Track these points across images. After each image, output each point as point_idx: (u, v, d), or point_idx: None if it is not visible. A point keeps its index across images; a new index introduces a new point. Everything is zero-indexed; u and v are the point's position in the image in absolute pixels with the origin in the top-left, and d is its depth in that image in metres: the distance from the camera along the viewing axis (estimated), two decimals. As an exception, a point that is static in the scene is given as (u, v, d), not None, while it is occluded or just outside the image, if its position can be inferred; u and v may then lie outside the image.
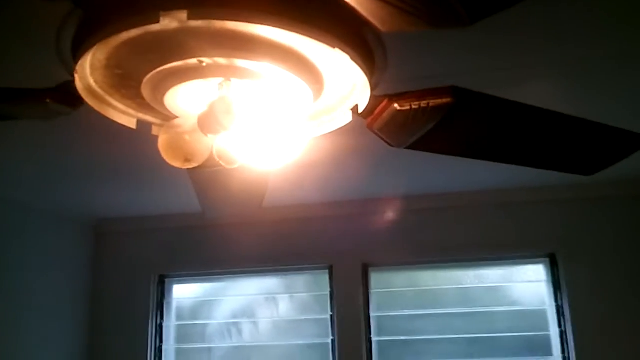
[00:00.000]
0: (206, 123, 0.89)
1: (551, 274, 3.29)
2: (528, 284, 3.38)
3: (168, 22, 0.78)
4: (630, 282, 3.11)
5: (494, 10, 0.76)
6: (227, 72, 0.89)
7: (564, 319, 3.17)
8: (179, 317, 3.65)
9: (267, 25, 0.79)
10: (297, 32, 0.81)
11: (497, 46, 1.61)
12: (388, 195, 3.35)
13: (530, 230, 3.30)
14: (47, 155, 2.48)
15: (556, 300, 3.22)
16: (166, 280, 3.66)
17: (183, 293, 3.73)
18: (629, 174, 3.05)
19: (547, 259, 3.31)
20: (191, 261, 3.60)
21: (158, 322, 3.56)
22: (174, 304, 3.66)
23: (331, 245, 3.45)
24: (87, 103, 1.00)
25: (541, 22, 1.48)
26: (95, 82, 0.97)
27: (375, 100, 1.09)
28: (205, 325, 3.58)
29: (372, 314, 3.36)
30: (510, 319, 3.27)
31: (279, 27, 0.80)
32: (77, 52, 0.86)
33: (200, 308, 3.65)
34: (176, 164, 0.96)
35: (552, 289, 3.26)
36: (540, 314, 3.27)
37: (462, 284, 3.41)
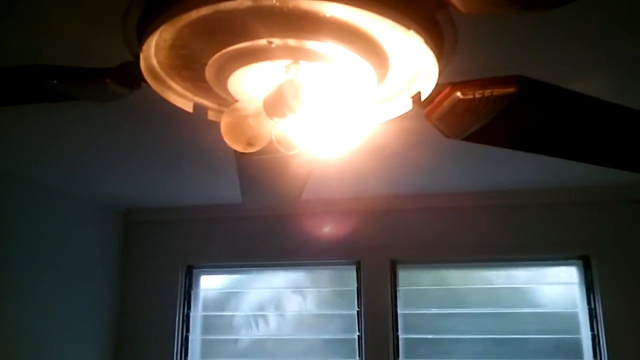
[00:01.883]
0: (274, 106, 0.87)
1: (584, 276, 3.22)
2: (559, 286, 3.32)
3: (241, 0, 0.76)
4: (667, 286, 3.04)
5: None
6: (296, 54, 0.87)
7: (596, 322, 3.10)
8: (205, 307, 3.65)
9: (343, 3, 0.76)
10: (373, 12, 0.78)
11: (562, 39, 1.56)
12: (419, 192, 3.31)
13: (563, 232, 3.24)
14: (80, 140, 2.48)
15: (589, 303, 3.16)
16: (194, 270, 3.67)
17: (210, 284, 3.73)
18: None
19: (580, 261, 3.25)
20: (219, 252, 3.60)
21: (185, 312, 3.57)
22: (201, 295, 3.67)
23: (359, 241, 3.42)
24: (147, 84, 0.98)
25: (607, 14, 1.43)
26: (158, 62, 0.95)
27: (437, 88, 1.06)
28: (231, 316, 3.58)
29: (399, 311, 3.33)
30: (541, 320, 3.21)
31: (354, 6, 0.77)
32: (145, 31, 0.84)
33: (226, 299, 3.65)
34: (238, 147, 0.94)
35: (584, 292, 3.20)
36: (572, 317, 3.21)
37: (492, 284, 3.36)
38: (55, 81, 0.97)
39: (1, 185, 2.81)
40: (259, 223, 3.46)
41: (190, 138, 2.22)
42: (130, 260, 3.68)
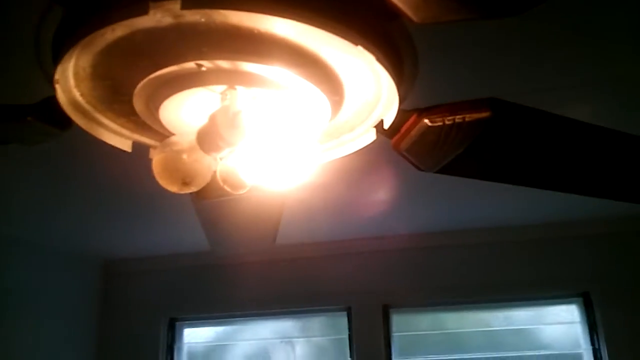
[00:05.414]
0: (207, 139, 0.75)
1: (585, 314, 3.06)
2: (561, 326, 3.15)
3: (159, 16, 0.66)
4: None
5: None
6: (231, 79, 0.76)
7: (602, 363, 2.93)
8: (191, 362, 3.45)
9: (276, 15, 0.66)
10: (311, 25, 0.67)
11: (536, 64, 1.48)
12: (409, 232, 3.18)
13: (561, 268, 3.10)
14: (54, 192, 2.39)
15: (592, 343, 2.99)
16: (177, 323, 3.48)
17: (195, 337, 3.54)
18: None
19: (581, 299, 3.09)
20: (203, 303, 3.43)
21: (167, 368, 3.37)
22: (185, 349, 3.47)
23: (349, 285, 3.26)
24: (73, 121, 0.87)
25: (583, 38, 1.34)
26: (82, 95, 0.84)
27: (402, 116, 0.95)
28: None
29: (394, 359, 3.14)
30: (544, 363, 3.04)
31: (289, 18, 0.66)
32: (57, 57, 0.73)
33: (212, 353, 3.46)
34: (173, 188, 0.82)
35: (587, 331, 3.03)
36: (576, 358, 3.04)
37: (491, 326, 3.19)
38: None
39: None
40: (243, 270, 3.30)
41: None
42: (110, 314, 3.49)
